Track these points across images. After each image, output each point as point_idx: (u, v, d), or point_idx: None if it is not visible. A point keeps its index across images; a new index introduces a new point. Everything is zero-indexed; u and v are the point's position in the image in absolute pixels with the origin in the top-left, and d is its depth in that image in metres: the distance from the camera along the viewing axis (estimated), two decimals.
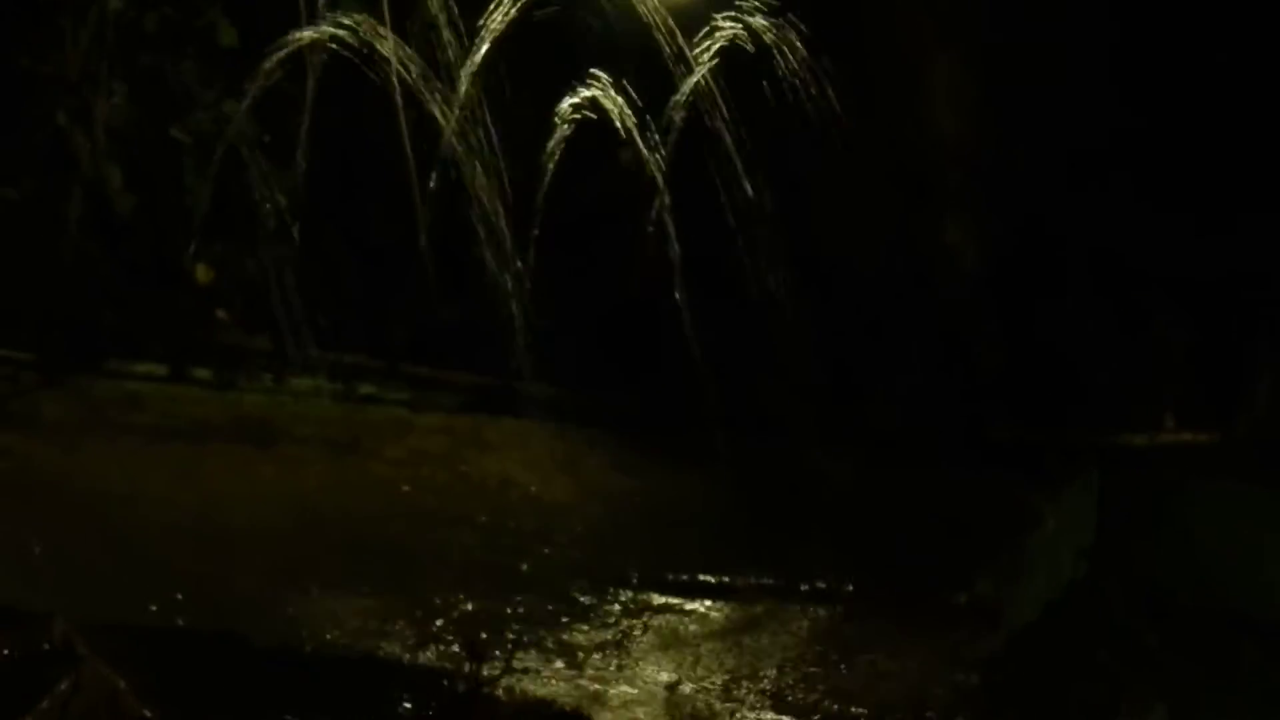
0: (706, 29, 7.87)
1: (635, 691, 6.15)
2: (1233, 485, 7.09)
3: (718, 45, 7.87)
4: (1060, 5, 7.86)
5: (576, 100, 8.05)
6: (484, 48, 8.09)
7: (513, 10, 8.02)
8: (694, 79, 7.83)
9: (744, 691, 6.17)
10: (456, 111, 8.13)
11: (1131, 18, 7.81)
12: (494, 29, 8.03)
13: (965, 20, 7.97)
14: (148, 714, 5.48)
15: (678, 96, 7.90)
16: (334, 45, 8.28)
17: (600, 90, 8.01)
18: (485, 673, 6.04)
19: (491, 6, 8.05)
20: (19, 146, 8.96)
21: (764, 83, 7.78)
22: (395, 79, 8.17)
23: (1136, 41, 7.82)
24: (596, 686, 6.15)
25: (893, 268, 8.07)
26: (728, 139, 7.83)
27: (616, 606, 6.69)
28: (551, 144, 8.07)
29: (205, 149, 8.72)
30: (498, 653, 6.22)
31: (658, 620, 6.66)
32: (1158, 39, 7.79)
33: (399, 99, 8.17)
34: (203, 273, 8.88)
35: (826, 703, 6.11)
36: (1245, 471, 7.31)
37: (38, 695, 5.39)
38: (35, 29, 9.00)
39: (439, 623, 6.48)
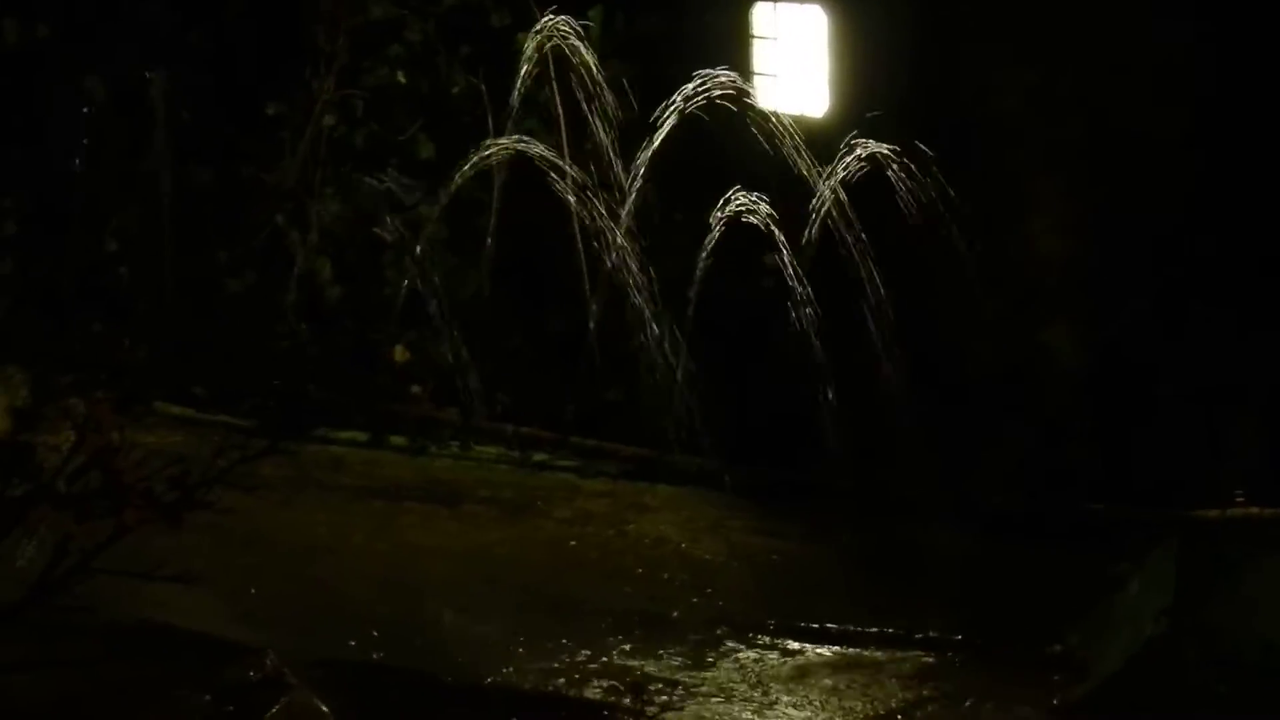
0: (841, 150, 8.29)
1: None
2: None
3: (846, 165, 8.26)
4: (1151, 145, 8.16)
5: (725, 209, 8.49)
6: (642, 166, 8.67)
7: (666, 130, 8.55)
8: (825, 195, 8.27)
9: None
10: (622, 218, 8.68)
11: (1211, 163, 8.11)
12: (656, 145, 8.58)
13: (1064, 153, 8.28)
14: None
15: (812, 209, 8.34)
16: (517, 158, 8.85)
17: (744, 202, 8.45)
18: (644, 707, 6.63)
19: (649, 133, 8.61)
20: (243, 245, 9.71)
21: (887, 199, 8.14)
22: (569, 188, 8.74)
23: (1219, 185, 8.11)
24: (743, 717, 6.63)
25: (997, 365, 8.37)
26: (854, 248, 8.26)
27: (755, 650, 7.14)
28: (703, 248, 8.53)
29: (403, 247, 9.31)
30: (654, 689, 6.76)
31: (790, 662, 7.08)
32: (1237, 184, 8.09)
33: (572, 206, 8.73)
34: (399, 354, 9.40)
35: None
36: None
37: (254, 718, 5.88)
38: (259, 143, 9.79)
39: (603, 660, 6.98)
